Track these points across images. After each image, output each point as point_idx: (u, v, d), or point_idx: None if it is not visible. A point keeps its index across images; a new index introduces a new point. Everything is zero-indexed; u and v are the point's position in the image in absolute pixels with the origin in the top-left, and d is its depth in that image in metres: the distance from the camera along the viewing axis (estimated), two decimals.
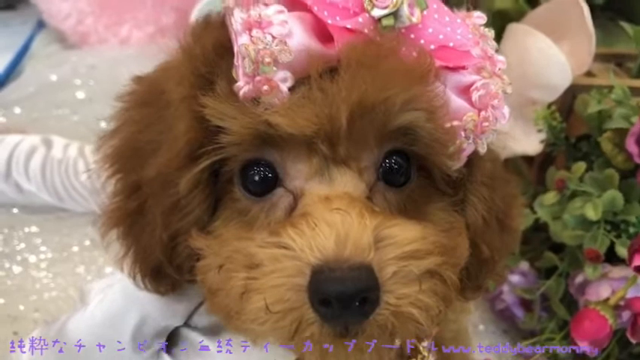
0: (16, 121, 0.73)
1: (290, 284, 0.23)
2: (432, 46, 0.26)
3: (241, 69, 0.24)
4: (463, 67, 0.26)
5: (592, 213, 0.39)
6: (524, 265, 0.46)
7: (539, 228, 0.44)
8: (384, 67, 0.24)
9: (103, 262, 0.58)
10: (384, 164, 0.26)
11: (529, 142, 0.44)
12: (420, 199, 0.27)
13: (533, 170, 0.47)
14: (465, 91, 0.26)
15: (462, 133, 0.26)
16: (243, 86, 0.24)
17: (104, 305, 0.29)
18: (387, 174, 0.26)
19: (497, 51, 0.28)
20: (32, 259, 0.59)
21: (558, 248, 0.43)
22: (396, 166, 0.26)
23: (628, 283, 0.37)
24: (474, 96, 0.26)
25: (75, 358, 0.29)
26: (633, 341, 0.38)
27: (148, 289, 0.28)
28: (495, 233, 0.29)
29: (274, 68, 0.24)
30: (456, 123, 0.26)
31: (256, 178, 0.26)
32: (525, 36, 0.44)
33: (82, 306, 0.30)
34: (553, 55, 0.42)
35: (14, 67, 0.90)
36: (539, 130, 0.42)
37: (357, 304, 0.22)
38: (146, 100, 0.28)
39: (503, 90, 0.27)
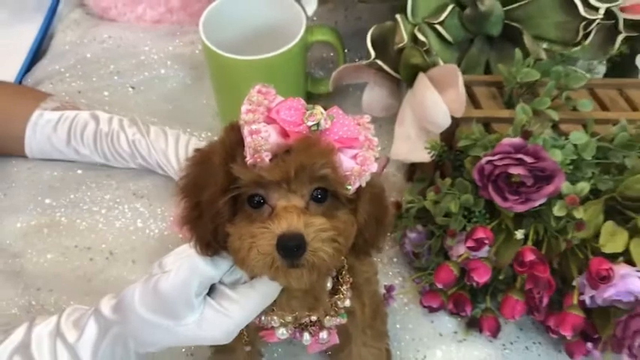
0: (65, 93, 0.92)
1: (268, 243, 0.45)
2: (336, 137, 0.47)
3: (249, 153, 0.46)
4: (353, 146, 0.48)
5: (453, 208, 0.63)
6: (420, 227, 0.71)
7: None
8: (312, 150, 0.45)
9: (144, 210, 0.80)
10: (313, 193, 0.48)
11: (424, 154, 0.68)
12: (331, 208, 0.48)
13: (431, 166, 0.72)
14: (354, 157, 0.47)
15: (352, 177, 0.47)
16: (249, 160, 0.46)
17: (179, 274, 0.50)
18: (314, 198, 0.48)
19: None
20: (95, 208, 0.80)
21: None
22: (319, 195, 0.48)
23: (464, 255, 0.64)
24: (358, 160, 0.47)
25: (165, 306, 0.51)
26: (467, 282, 0.65)
27: (202, 254, 0.49)
28: (373, 227, 0.50)
29: (263, 150, 0.45)
30: (348, 173, 0.47)
31: (255, 200, 0.48)
32: (425, 87, 0.65)
33: (161, 271, 0.55)
34: (440, 105, 0.63)
35: (46, 30, 1.06)
36: (430, 153, 0.67)
37: (296, 251, 0.45)
38: (201, 161, 0.49)
39: (375, 156, 0.48)
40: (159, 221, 0.80)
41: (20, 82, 0.97)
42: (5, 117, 0.83)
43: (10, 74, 0.97)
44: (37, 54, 1.03)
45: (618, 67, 0.83)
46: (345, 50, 0.88)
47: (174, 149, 0.80)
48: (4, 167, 0.85)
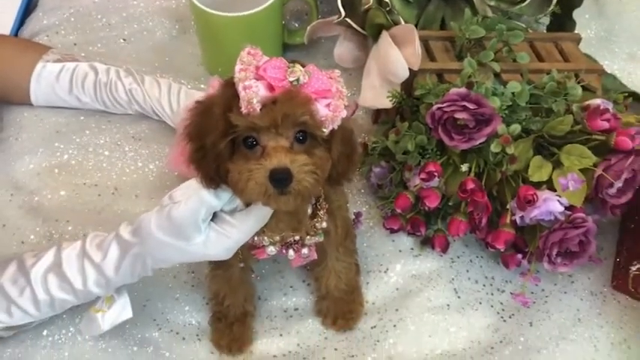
0: (61, 45, 0.99)
1: (263, 176, 0.53)
2: (313, 89, 0.56)
3: (243, 104, 0.55)
4: (326, 96, 0.57)
5: (410, 147, 0.76)
6: (383, 163, 0.83)
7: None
8: (294, 100, 0.53)
9: (142, 151, 0.89)
10: (296, 135, 0.55)
11: (387, 101, 0.80)
12: (311, 147, 0.56)
13: (393, 111, 0.84)
14: (327, 105, 0.55)
15: (327, 122, 0.57)
16: (244, 110, 0.55)
17: (189, 204, 0.59)
18: (297, 139, 0.57)
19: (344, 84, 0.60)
20: (99, 150, 0.89)
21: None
22: (300, 137, 0.55)
23: (419, 185, 0.77)
24: (331, 107, 0.57)
25: (177, 230, 0.60)
26: (421, 208, 0.79)
27: (207, 187, 0.59)
28: (344, 162, 0.59)
29: (254, 102, 0.53)
30: (323, 118, 0.57)
31: (249, 142, 0.57)
32: (387, 44, 0.77)
33: (172, 202, 0.66)
34: (399, 59, 0.74)
35: None
36: (391, 100, 0.78)
37: (285, 181, 0.55)
38: (203, 111, 0.57)
39: (344, 104, 0.56)
40: (156, 160, 0.90)
41: (16, 35, 1.04)
42: (10, 69, 0.90)
43: (4, 27, 1.04)
44: (27, 6, 1.10)
45: (558, 22, 0.95)
46: (319, 2, 0.97)
47: (167, 97, 0.88)
48: (13, 115, 0.93)
